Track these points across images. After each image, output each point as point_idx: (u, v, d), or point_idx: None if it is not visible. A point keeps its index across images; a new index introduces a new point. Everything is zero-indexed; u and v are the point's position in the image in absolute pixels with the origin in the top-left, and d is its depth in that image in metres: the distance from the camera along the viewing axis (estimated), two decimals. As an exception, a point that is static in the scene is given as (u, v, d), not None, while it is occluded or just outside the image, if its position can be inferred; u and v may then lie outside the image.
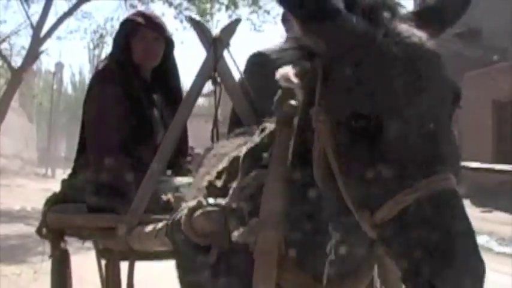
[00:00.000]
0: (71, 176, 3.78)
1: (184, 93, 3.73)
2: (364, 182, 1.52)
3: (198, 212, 2.04)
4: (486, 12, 25.60)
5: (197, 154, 3.86)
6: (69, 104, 63.22)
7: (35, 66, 31.24)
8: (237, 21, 3.49)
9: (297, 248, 1.86)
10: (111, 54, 3.80)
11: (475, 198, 17.74)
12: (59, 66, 55.53)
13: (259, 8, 19.02)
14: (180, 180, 3.39)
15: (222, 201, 2.06)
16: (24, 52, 21.09)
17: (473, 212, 15.78)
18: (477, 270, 1.39)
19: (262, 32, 20.69)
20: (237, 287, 1.94)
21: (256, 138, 2.09)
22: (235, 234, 1.90)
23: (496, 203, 17.63)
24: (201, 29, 3.38)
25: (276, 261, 1.85)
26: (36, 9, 30.08)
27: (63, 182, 3.77)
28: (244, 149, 2.09)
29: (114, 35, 3.90)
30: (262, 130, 2.10)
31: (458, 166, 1.58)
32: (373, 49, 1.56)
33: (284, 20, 3.46)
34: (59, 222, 3.56)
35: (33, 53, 18.90)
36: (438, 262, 1.36)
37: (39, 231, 3.65)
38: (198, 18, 3.34)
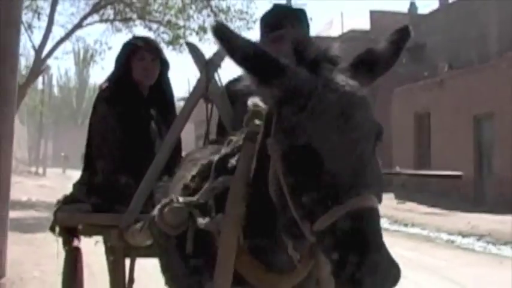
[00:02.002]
0: (79, 181, 3.91)
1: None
2: (305, 200, 1.74)
3: (167, 208, 2.29)
4: (431, 28, 28.56)
5: None
6: (56, 105, 63.15)
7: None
8: None
9: (252, 242, 2.10)
10: (113, 74, 3.95)
11: (397, 193, 20.26)
12: (46, 68, 56.60)
13: None
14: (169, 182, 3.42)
15: (190, 199, 2.29)
16: (24, 70, 23.26)
17: (392, 203, 18.36)
18: (388, 269, 1.62)
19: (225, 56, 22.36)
20: (204, 268, 2.20)
21: (227, 149, 2.29)
22: (201, 222, 2.16)
23: (410, 196, 20.16)
24: (195, 52, 3.49)
25: (235, 251, 2.09)
26: (36, 34, 32.20)
27: (74, 185, 3.91)
28: (216, 157, 2.29)
29: (116, 56, 3.98)
30: (229, 142, 2.32)
31: (379, 188, 1.79)
32: (314, 96, 1.76)
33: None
34: (68, 220, 3.67)
35: (35, 71, 20.29)
36: (358, 260, 1.60)
37: (52, 229, 3.76)
38: (193, 43, 3.78)
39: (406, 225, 14.73)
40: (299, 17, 3.31)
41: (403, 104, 23.51)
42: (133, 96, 3.87)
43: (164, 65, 3.98)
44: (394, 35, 1.97)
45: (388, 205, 16.60)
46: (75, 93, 73.79)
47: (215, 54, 3.41)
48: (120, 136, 3.77)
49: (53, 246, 3.83)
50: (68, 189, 4.00)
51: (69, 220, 3.68)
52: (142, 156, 3.68)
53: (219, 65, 3.44)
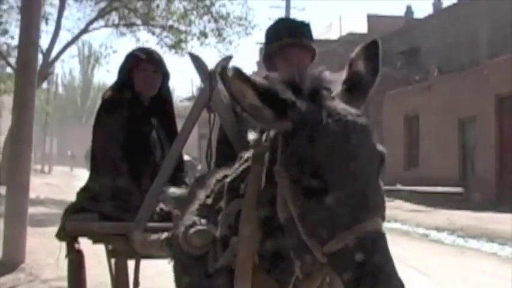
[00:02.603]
0: (84, 189, 3.91)
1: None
2: (315, 225, 1.81)
3: (192, 230, 2.35)
4: (425, 33, 29.23)
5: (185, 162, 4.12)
6: (61, 104, 62.38)
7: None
8: (229, 58, 3.67)
9: (266, 260, 2.18)
10: (116, 83, 4.00)
11: (388, 192, 21.89)
12: (52, 69, 56.84)
13: (224, 39, 21.43)
14: (174, 191, 3.47)
15: (209, 223, 2.38)
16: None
17: None
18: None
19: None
20: (224, 286, 2.27)
21: (237, 170, 2.35)
22: (220, 260, 2.26)
23: (400, 195, 20.90)
24: (198, 63, 3.52)
25: (251, 269, 2.19)
26: (44, 38, 33.08)
27: (78, 194, 3.92)
28: (227, 180, 2.36)
29: (119, 66, 4.01)
30: (241, 158, 2.39)
31: (383, 210, 1.86)
32: (320, 127, 1.84)
33: (265, 60, 3.47)
34: (78, 229, 3.66)
35: (43, 74, 20.35)
36: (368, 281, 1.69)
37: (58, 235, 3.74)
38: (195, 54, 3.71)
39: (388, 221, 15.65)
40: (302, 29, 3.41)
41: (394, 106, 24.50)
42: (135, 106, 3.95)
43: (165, 76, 4.06)
44: (365, 50, 2.05)
45: None
46: (79, 92, 74.33)
47: (218, 66, 3.49)
48: (122, 144, 3.84)
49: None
50: (73, 187, 4.35)
51: (79, 229, 3.72)
52: (144, 164, 3.84)
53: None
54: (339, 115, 1.87)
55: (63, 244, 3.81)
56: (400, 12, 37.17)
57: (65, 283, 4.08)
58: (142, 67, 3.91)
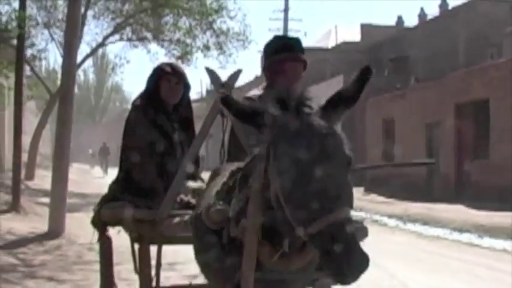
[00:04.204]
0: (116, 181, 4.28)
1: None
2: (299, 211, 2.23)
3: (213, 209, 2.80)
4: (413, 42, 30.53)
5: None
6: (75, 103, 66.88)
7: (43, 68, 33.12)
8: (239, 71, 4.00)
9: (266, 237, 2.60)
10: (144, 92, 4.33)
11: (366, 186, 23.78)
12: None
13: (224, 52, 23.20)
14: (192, 184, 3.99)
15: (225, 204, 2.79)
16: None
17: (359, 195, 21.21)
18: (361, 261, 2.15)
19: (226, 68, 23.31)
20: (235, 256, 2.67)
21: (247, 165, 2.77)
22: (233, 230, 2.69)
23: (376, 189, 23.35)
24: (214, 76, 3.90)
25: (256, 244, 2.60)
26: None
27: (110, 186, 4.28)
28: (239, 175, 2.80)
29: (147, 77, 4.33)
30: (251, 154, 2.78)
31: (351, 201, 2.28)
32: (299, 137, 2.27)
33: (264, 70, 3.75)
34: (112, 216, 4.01)
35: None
36: (339, 257, 2.12)
37: (93, 222, 4.17)
38: (211, 68, 4.02)
39: (355, 209, 18.29)
40: (295, 44, 3.75)
41: (374, 111, 26.49)
42: (160, 111, 4.25)
43: (186, 87, 4.38)
44: (359, 73, 2.39)
45: (355, 196, 19.51)
46: (93, 91, 74.80)
47: (229, 78, 3.89)
48: (148, 143, 4.14)
49: (90, 219, 4.19)
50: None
51: (113, 216, 4.03)
52: (167, 161, 4.15)
53: (232, 86, 3.83)
54: (315, 128, 2.30)
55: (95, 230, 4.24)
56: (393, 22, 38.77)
57: (93, 246, 4.88)
58: (167, 78, 4.25)
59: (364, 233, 3.04)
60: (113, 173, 5.41)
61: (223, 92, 2.67)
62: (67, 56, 11.89)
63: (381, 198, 21.66)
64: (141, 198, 4.01)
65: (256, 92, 3.81)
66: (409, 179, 22.07)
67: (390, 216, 16.91)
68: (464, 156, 21.09)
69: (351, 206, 2.28)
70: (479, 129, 20.09)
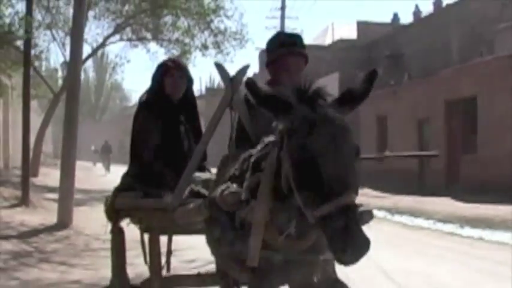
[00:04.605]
0: (127, 173, 4.42)
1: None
2: (309, 195, 2.37)
3: (227, 191, 2.92)
4: (408, 39, 30.68)
5: None
6: None
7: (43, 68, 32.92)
8: (247, 66, 4.02)
9: (274, 218, 2.75)
10: (150, 88, 4.46)
11: (363, 180, 24.79)
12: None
13: (222, 51, 23.71)
14: (200, 175, 4.04)
15: (238, 187, 2.91)
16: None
17: None
18: (364, 244, 2.29)
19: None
20: (245, 237, 2.82)
21: (259, 151, 2.91)
22: (243, 212, 2.83)
23: (371, 183, 23.33)
24: (222, 71, 3.94)
25: (263, 225, 2.75)
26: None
27: (123, 177, 4.40)
28: (253, 158, 2.93)
29: (152, 74, 4.46)
30: (263, 142, 2.94)
31: (358, 187, 2.44)
32: (315, 127, 2.41)
33: (268, 65, 3.86)
34: (126, 204, 4.18)
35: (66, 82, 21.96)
36: (344, 238, 2.26)
37: (107, 212, 4.32)
38: (220, 63, 4.06)
39: None
40: (296, 40, 3.85)
41: (368, 108, 26.14)
42: (166, 106, 4.38)
43: (190, 81, 4.52)
44: (367, 75, 2.66)
45: None
46: (93, 90, 74.02)
47: (238, 73, 3.89)
48: (156, 136, 4.28)
49: (94, 212, 4.78)
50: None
51: (127, 204, 4.19)
52: (175, 152, 4.29)
53: (240, 81, 3.83)
54: (329, 118, 2.47)
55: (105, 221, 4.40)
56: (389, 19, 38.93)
57: (99, 236, 5.70)
58: (170, 74, 4.41)
59: (369, 215, 3.15)
60: (115, 170, 5.79)
61: (250, 78, 2.72)
62: (73, 57, 12.82)
63: (374, 193, 22.20)
64: (152, 188, 4.14)
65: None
66: (402, 174, 22.78)
67: (380, 208, 17.42)
68: (453, 151, 21.80)
69: (356, 193, 2.45)
70: (468, 126, 20.82)
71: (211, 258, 3.84)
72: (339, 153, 2.42)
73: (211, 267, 4.50)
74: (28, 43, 14.75)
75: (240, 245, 2.90)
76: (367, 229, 2.56)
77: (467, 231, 13.15)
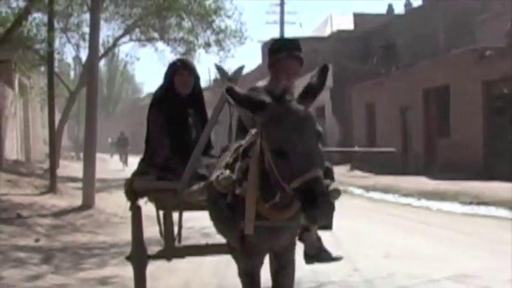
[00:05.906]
0: (143, 160, 4.93)
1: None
2: (285, 172, 2.80)
3: (221, 176, 3.30)
4: (400, 29, 31.75)
5: None
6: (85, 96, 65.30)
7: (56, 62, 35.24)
8: (242, 67, 4.52)
9: (262, 193, 3.15)
10: (162, 86, 4.93)
11: (351, 164, 26.43)
12: (77, 60, 52.67)
13: (223, 48, 25.26)
14: (206, 160, 4.43)
15: (232, 173, 3.27)
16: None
17: (344, 172, 24.29)
18: (329, 208, 2.76)
19: (225, 63, 24.94)
20: (238, 211, 3.22)
21: (248, 141, 3.33)
22: (237, 190, 3.24)
23: (362, 166, 25.76)
24: (221, 71, 4.40)
25: (255, 200, 3.15)
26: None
27: (140, 163, 4.92)
28: (241, 148, 3.33)
29: (164, 72, 4.92)
30: (250, 134, 3.35)
31: (323, 165, 2.89)
32: (282, 118, 2.82)
33: (269, 67, 4.17)
34: (142, 186, 4.66)
35: (82, 81, 25.49)
36: (312, 201, 2.67)
37: (127, 193, 4.77)
38: (219, 65, 4.44)
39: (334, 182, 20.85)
40: (293, 45, 4.18)
41: (358, 97, 29.22)
42: (176, 101, 4.80)
43: (197, 78, 4.94)
44: (319, 71, 3.04)
45: (340, 172, 21.97)
46: (105, 83, 75.15)
47: (234, 73, 4.42)
48: (168, 128, 4.72)
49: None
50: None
51: (143, 186, 4.66)
52: (184, 142, 4.72)
53: (237, 80, 4.29)
54: (293, 111, 2.91)
55: (125, 202, 4.90)
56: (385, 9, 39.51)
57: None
58: (179, 73, 4.85)
59: (337, 193, 3.58)
60: (133, 162, 6.53)
61: (229, 84, 3.14)
62: (90, 58, 15.33)
63: (363, 174, 24.43)
64: (164, 173, 4.66)
65: (261, 83, 4.52)
66: (388, 156, 24.21)
67: (359, 187, 19.96)
68: (431, 135, 23.86)
69: (322, 168, 2.90)
70: (442, 112, 22.85)
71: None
72: (302, 138, 2.86)
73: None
74: (51, 55, 17.28)
75: (235, 216, 3.36)
76: (337, 203, 3.50)
77: (421, 202, 15.52)
